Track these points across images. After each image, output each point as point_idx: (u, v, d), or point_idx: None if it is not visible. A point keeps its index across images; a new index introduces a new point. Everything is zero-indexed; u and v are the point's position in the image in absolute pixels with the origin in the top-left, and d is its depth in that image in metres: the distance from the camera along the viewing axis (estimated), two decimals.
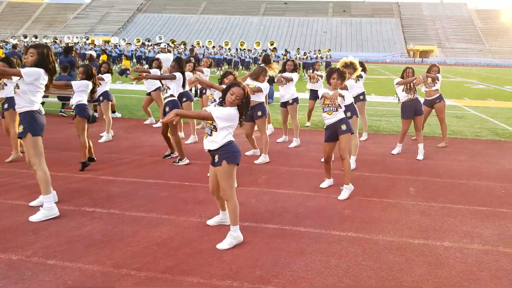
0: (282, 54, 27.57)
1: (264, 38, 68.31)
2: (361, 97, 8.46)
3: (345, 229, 4.24)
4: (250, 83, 6.52)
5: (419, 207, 4.91)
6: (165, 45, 13.09)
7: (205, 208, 4.64)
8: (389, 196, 5.26)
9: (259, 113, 6.62)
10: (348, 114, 6.26)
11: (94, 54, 11.43)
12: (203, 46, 32.73)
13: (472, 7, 78.52)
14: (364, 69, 8.43)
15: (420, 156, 7.11)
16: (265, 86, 6.55)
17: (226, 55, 28.44)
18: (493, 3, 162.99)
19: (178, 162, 6.41)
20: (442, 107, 7.96)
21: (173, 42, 32.23)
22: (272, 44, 30.72)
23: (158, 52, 17.19)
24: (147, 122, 9.73)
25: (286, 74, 7.63)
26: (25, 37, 35.44)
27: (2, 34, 65.53)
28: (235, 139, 3.81)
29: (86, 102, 6.04)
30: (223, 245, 3.75)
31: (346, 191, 5.13)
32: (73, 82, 5.94)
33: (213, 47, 31.44)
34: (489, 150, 7.89)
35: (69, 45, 16.48)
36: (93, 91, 6.17)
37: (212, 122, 3.65)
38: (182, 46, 30.51)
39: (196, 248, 3.74)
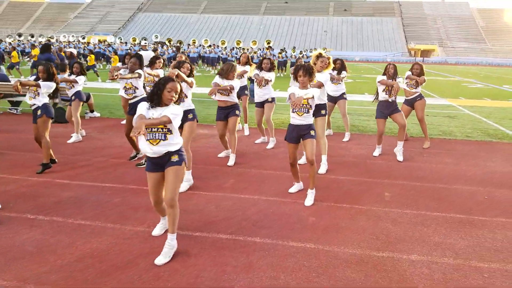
0: (277, 52, 27.10)
1: (264, 38, 67.82)
2: (344, 95, 8.17)
3: (305, 239, 3.87)
4: (220, 82, 6.16)
5: (392, 214, 4.53)
6: (145, 43, 12.69)
7: (156, 216, 4.25)
8: (361, 202, 4.88)
9: (237, 112, 6.34)
10: (323, 112, 5.98)
11: (74, 51, 11.08)
12: (200, 45, 32.35)
13: (474, 6, 77.86)
14: (344, 69, 8.14)
15: (399, 157, 6.75)
16: (236, 83, 6.20)
17: (222, 53, 28.04)
18: (495, 2, 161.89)
19: (143, 164, 6.06)
20: (422, 105, 7.65)
21: (169, 41, 31.88)
22: (268, 43, 30.30)
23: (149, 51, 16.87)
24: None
25: (264, 75, 7.27)
26: (20, 35, 35.21)
27: (3, 33, 65.47)
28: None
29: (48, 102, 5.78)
30: (162, 259, 3.38)
31: (311, 196, 4.79)
32: (41, 83, 5.63)
33: (209, 45, 31.09)
34: (478, 152, 7.49)
35: (63, 43, 16.12)
36: (56, 90, 5.86)
37: (165, 126, 3.35)
38: (178, 45, 30.14)
39: (133, 262, 3.38)
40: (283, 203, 4.77)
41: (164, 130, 3.36)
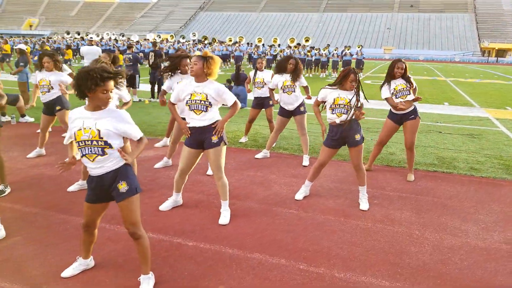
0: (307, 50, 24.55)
1: (323, 35, 65.30)
2: (302, 108, 6.14)
3: None
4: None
5: None
6: (92, 38, 11.28)
7: None
8: None
9: None
10: (215, 138, 4.05)
11: (24, 47, 9.83)
12: (234, 43, 30.85)
13: None
14: (300, 71, 6.10)
15: (364, 206, 4.58)
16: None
17: (251, 51, 26.26)
18: None
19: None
20: (415, 126, 5.45)
21: (205, 38, 30.78)
22: (307, 41, 27.87)
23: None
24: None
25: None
26: (68, 33, 36.11)
27: (81, 31, 69.41)
28: None
29: None
30: None
31: (147, 281, 2.96)
32: None
33: (241, 43, 29.50)
34: (465, 200, 4.92)
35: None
36: None
37: None
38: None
39: None
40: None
41: None
